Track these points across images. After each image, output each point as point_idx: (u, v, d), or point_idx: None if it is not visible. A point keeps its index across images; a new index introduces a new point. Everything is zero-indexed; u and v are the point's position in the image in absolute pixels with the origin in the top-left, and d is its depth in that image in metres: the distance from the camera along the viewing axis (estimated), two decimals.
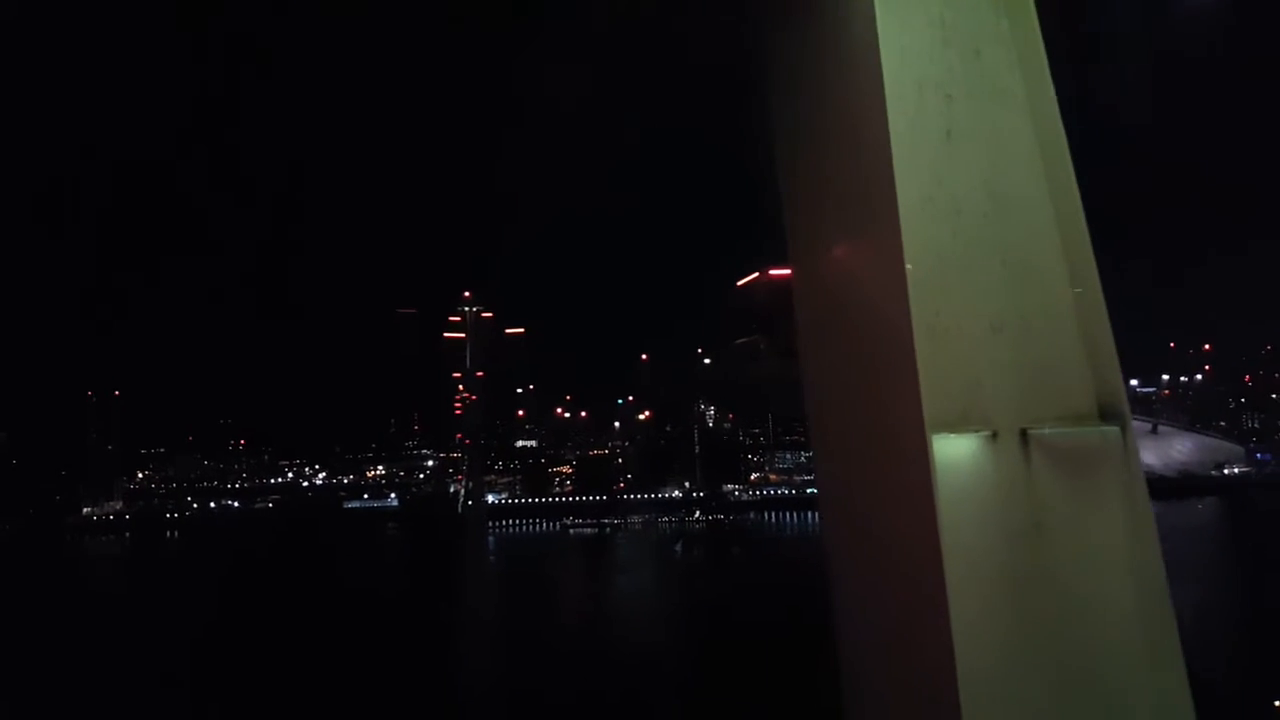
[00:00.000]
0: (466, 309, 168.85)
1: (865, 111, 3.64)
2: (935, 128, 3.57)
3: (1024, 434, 3.34)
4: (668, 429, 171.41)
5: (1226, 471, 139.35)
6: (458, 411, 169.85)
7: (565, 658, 42.70)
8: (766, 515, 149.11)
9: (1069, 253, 3.55)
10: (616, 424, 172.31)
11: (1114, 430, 3.41)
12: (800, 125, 4.46)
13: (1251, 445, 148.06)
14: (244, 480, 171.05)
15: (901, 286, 3.43)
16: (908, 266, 3.43)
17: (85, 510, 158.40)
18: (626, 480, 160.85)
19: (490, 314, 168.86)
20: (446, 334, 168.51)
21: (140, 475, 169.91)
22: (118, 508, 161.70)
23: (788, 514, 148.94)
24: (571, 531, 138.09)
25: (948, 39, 3.61)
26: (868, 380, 3.82)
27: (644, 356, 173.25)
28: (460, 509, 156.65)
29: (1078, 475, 3.33)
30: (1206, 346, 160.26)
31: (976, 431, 3.33)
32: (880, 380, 3.67)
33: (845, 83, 3.88)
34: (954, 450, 3.29)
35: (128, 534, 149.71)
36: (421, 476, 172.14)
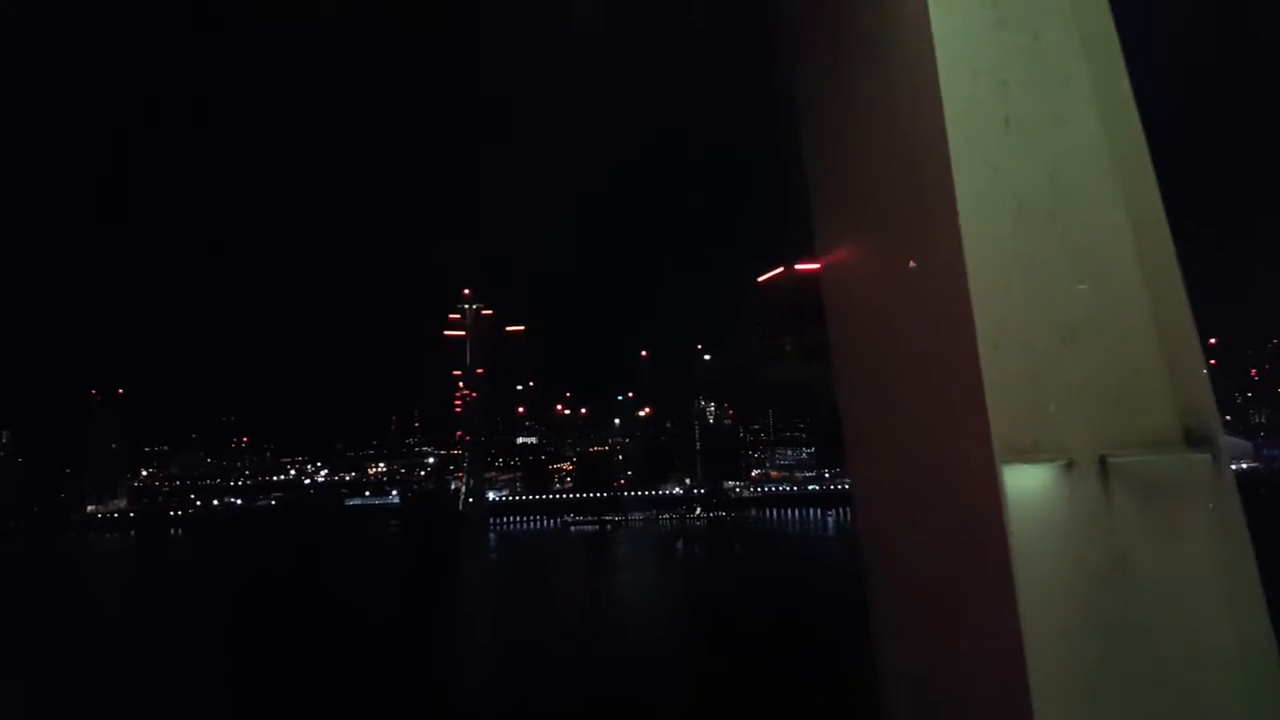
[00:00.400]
0: (466, 306, 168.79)
1: (915, 97, 3.31)
2: (992, 115, 3.21)
3: (1103, 462, 2.97)
4: (668, 425, 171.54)
5: (1234, 467, 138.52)
6: (458, 409, 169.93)
7: (566, 657, 42.68)
8: (768, 512, 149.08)
9: (1146, 253, 3.15)
10: (617, 420, 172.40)
11: (1203, 458, 3.03)
12: (835, 112, 4.09)
13: (1259, 441, 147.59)
14: (246, 478, 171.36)
15: (963, 292, 3.04)
16: (969, 270, 3.05)
17: (90, 508, 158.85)
18: (627, 477, 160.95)
19: (490, 311, 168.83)
20: (447, 332, 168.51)
21: (144, 473, 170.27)
22: (122, 505, 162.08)
23: (789, 511, 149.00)
24: (572, 529, 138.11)
25: (1001, 20, 3.29)
26: (922, 399, 3.42)
27: (644, 353, 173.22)
28: (461, 506, 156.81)
29: (1164, 510, 2.97)
30: (1212, 340, 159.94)
31: (1050, 460, 2.96)
32: (939, 399, 3.27)
33: (891, 65, 3.53)
34: (1026, 481, 2.91)
35: (132, 532, 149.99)
36: (423, 474, 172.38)
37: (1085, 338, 3.08)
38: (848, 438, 4.33)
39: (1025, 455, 2.93)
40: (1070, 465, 2.96)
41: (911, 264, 3.47)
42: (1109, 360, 3.08)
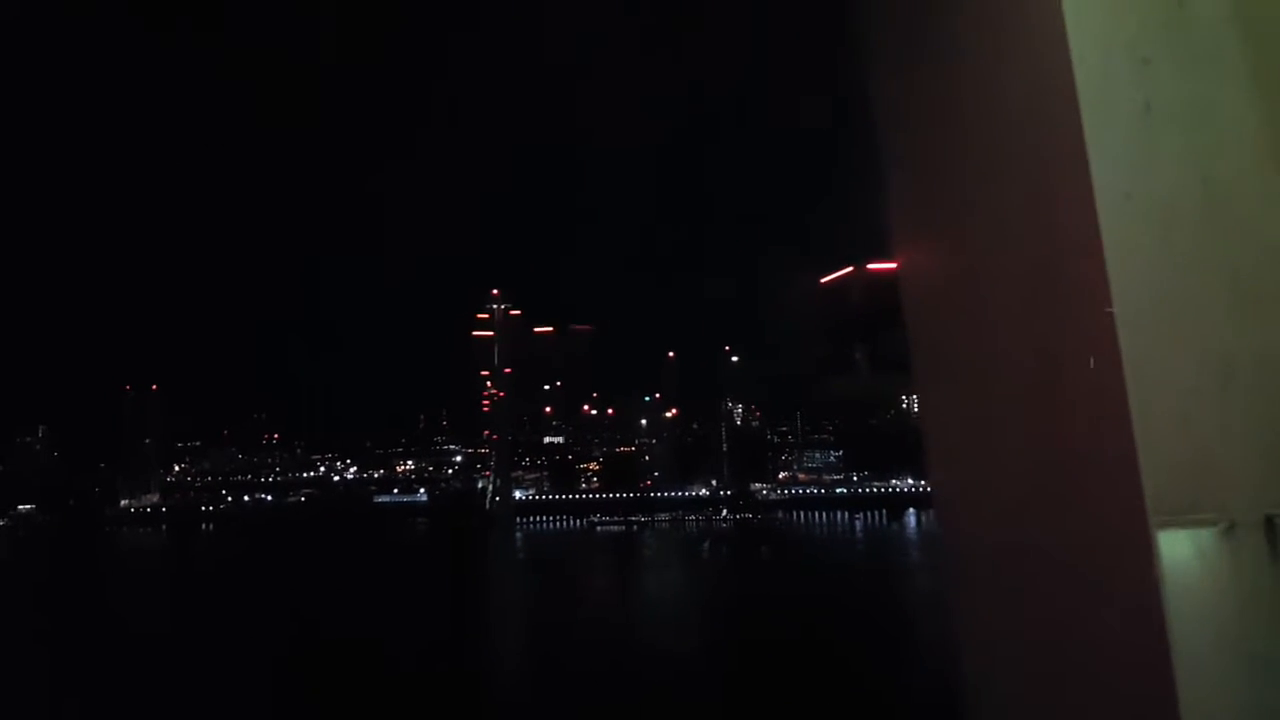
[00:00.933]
0: (495, 307, 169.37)
1: (1039, 78, 2.74)
2: (1130, 100, 2.60)
3: (1270, 524, 2.42)
4: (695, 427, 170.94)
5: None
6: (486, 408, 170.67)
7: (592, 670, 42.32)
8: (795, 515, 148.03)
9: None
10: (644, 421, 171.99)
11: None
12: (925, 97, 3.48)
13: None
14: (277, 474, 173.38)
15: (1106, 318, 2.48)
16: (1113, 291, 2.48)
17: (124, 503, 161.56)
18: (653, 478, 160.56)
19: (518, 312, 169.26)
20: (475, 332, 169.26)
21: (177, 469, 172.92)
22: (154, 500, 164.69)
23: (816, 514, 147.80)
24: (599, 529, 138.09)
25: None
26: (1045, 445, 2.79)
27: (670, 354, 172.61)
28: (489, 505, 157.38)
29: None
30: None
31: (1210, 523, 2.39)
32: (1069, 447, 2.67)
33: (1009, 40, 2.95)
34: (1182, 549, 2.36)
35: (164, 526, 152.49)
36: (450, 472, 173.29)
37: (1246, 373, 2.55)
38: (934, 462, 3.77)
39: (1179, 517, 2.42)
40: (1231, 528, 2.43)
41: (1030, 282, 2.88)
42: (1275, 400, 2.55)
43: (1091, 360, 2.60)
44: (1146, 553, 2.38)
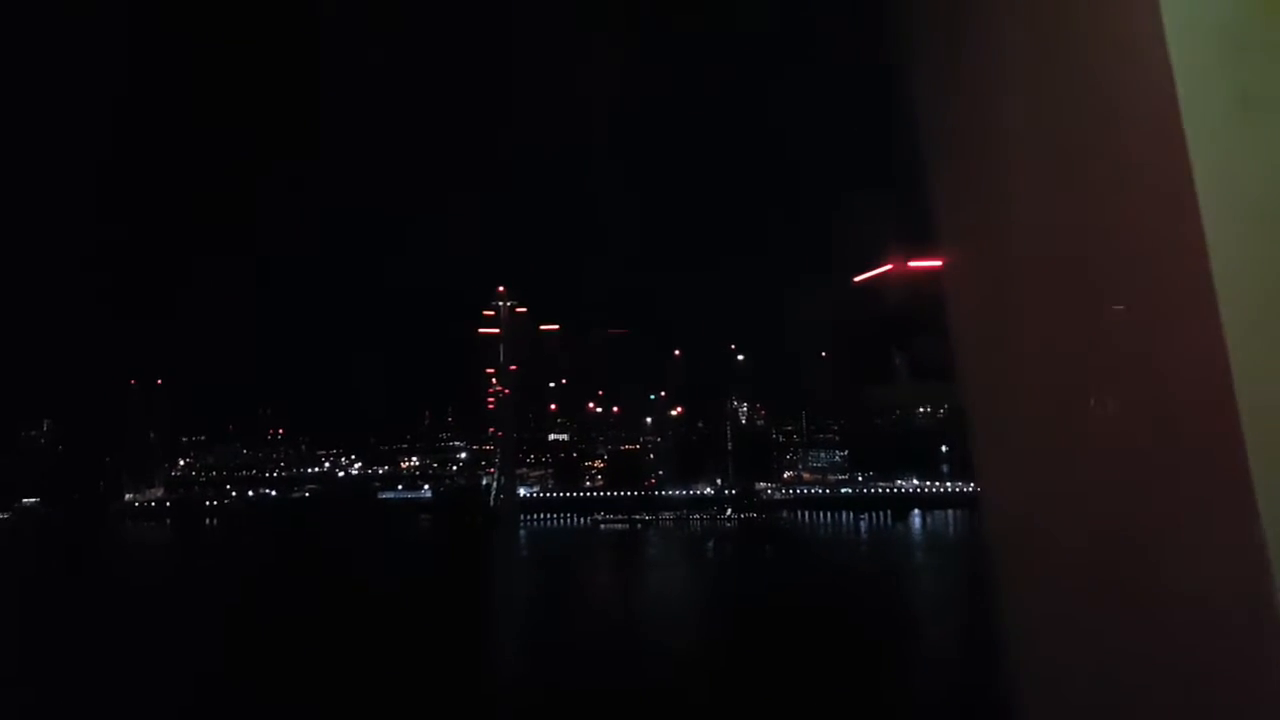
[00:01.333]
0: (500, 304, 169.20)
1: (1132, 68, 2.44)
2: (1226, 88, 2.33)
3: None
4: (700, 425, 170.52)
5: None
6: (491, 405, 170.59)
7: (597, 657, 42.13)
8: (799, 514, 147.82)
9: None
10: (648, 419, 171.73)
11: None
12: (996, 83, 3.07)
13: None
14: (282, 469, 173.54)
15: (1215, 336, 2.14)
16: (1220, 302, 2.20)
17: (128, 497, 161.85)
18: (658, 476, 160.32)
19: (524, 309, 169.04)
20: (480, 329, 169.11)
21: (181, 463, 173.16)
22: (159, 494, 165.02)
23: (821, 514, 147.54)
24: (603, 526, 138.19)
25: None
26: (1138, 475, 2.44)
27: (677, 352, 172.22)
28: (493, 502, 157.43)
29: None
30: None
31: None
32: (1170, 478, 2.33)
33: (1091, 26, 2.61)
34: None
35: (168, 520, 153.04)
36: (454, 468, 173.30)
37: None
38: (988, 489, 3.41)
39: None
40: None
41: (1130, 280, 2.60)
42: None
43: (1191, 385, 2.29)
44: (1269, 610, 2.10)
